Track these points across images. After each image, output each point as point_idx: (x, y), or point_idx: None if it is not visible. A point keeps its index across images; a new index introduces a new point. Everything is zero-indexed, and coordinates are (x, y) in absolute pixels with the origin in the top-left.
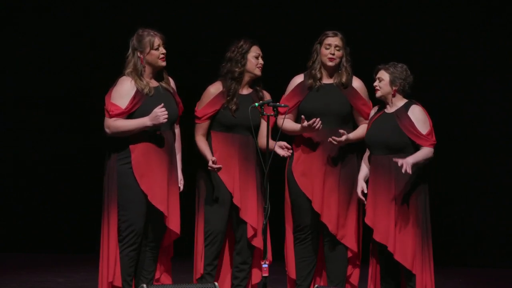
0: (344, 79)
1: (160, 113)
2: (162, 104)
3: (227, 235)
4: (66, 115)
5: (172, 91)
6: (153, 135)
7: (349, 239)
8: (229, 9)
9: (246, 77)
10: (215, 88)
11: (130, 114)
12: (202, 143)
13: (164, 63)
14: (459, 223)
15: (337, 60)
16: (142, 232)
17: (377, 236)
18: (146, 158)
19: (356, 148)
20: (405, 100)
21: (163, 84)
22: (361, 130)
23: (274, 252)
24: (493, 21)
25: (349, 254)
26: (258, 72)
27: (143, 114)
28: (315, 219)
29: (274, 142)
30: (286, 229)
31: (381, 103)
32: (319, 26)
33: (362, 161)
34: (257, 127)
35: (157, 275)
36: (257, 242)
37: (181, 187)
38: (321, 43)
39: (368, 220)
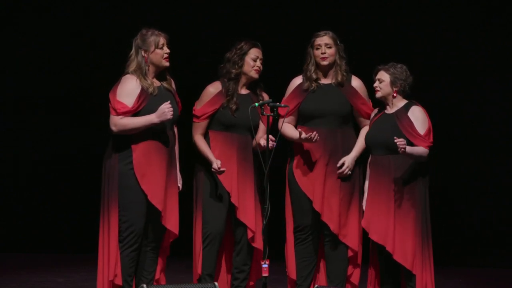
0: (339, 77)
1: (167, 110)
2: (169, 101)
3: (226, 235)
4: (66, 115)
5: (173, 90)
6: (155, 135)
7: (350, 238)
8: (229, 9)
9: (243, 79)
10: (214, 88)
11: (136, 113)
12: (202, 143)
13: (167, 63)
14: (459, 223)
15: (331, 58)
16: (143, 233)
17: (375, 237)
18: (147, 157)
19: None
20: (405, 101)
21: (165, 85)
22: (360, 141)
23: (274, 252)
24: (493, 21)
25: (350, 254)
26: (254, 74)
27: (148, 113)
28: (316, 219)
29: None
30: (286, 230)
31: (381, 104)
32: (319, 26)
33: (368, 167)
34: (256, 127)
35: (156, 275)
36: (257, 243)
37: (180, 187)
38: (312, 45)
39: (364, 222)
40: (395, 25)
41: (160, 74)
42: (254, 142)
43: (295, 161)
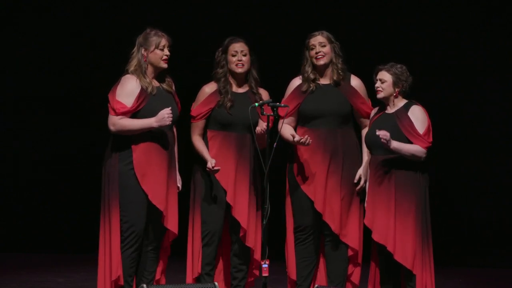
0: (335, 76)
1: (166, 116)
2: (170, 108)
3: (223, 234)
4: (66, 115)
5: (172, 91)
6: (155, 135)
7: (351, 238)
8: (229, 9)
9: (233, 76)
10: (209, 88)
11: (135, 113)
12: (199, 143)
13: (165, 65)
14: (459, 223)
15: (326, 57)
16: (143, 233)
17: (376, 236)
18: (147, 157)
19: (358, 147)
20: (405, 101)
21: (165, 86)
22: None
23: (274, 252)
24: (493, 21)
25: (351, 253)
26: (236, 69)
27: (147, 113)
28: (317, 219)
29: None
30: (286, 230)
31: (380, 103)
32: (319, 26)
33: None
34: (256, 127)
35: (157, 276)
36: (249, 242)
37: (180, 187)
38: (307, 47)
39: (367, 221)
40: (395, 25)
41: (160, 75)
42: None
43: (295, 161)
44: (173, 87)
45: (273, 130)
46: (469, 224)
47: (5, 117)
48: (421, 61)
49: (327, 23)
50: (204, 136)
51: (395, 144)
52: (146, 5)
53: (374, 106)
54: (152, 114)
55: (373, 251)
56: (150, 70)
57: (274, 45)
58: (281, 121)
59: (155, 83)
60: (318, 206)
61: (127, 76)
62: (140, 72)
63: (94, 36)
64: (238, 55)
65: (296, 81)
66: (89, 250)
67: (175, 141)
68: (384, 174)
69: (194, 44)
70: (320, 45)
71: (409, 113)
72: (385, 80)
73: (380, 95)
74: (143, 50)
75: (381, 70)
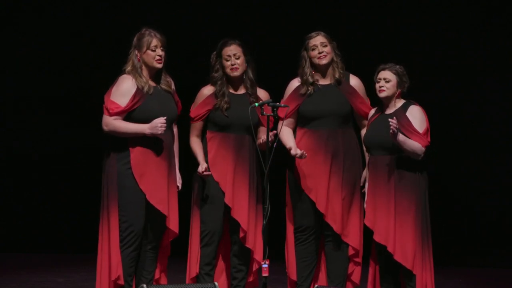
0: (337, 75)
1: (159, 125)
2: (166, 118)
3: (223, 234)
4: (66, 115)
5: (171, 91)
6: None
7: (352, 237)
8: (229, 9)
9: (231, 79)
10: (207, 89)
11: (130, 112)
12: (195, 145)
13: (159, 65)
14: (459, 223)
15: (329, 56)
16: (142, 233)
17: (377, 237)
18: (145, 157)
19: (358, 147)
20: (403, 101)
21: (163, 85)
22: None
23: (274, 252)
24: (493, 21)
25: (351, 252)
26: (231, 73)
27: (142, 112)
28: (317, 219)
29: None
30: (287, 230)
31: (378, 104)
32: (319, 26)
33: (367, 167)
34: (256, 127)
35: (156, 275)
36: (249, 243)
37: (180, 186)
38: (306, 48)
39: (368, 222)
40: (395, 25)
41: (158, 74)
42: (258, 141)
43: (296, 162)
44: (172, 86)
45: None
46: (469, 224)
47: (5, 117)
48: (421, 61)
49: (327, 23)
50: (203, 137)
51: (400, 137)
52: (146, 5)
53: (373, 106)
54: (148, 113)
55: (372, 250)
56: (145, 70)
57: (274, 45)
58: (280, 122)
59: (152, 83)
60: (321, 207)
61: (123, 76)
62: (136, 72)
63: (94, 36)
64: (232, 59)
65: (295, 83)
66: (89, 250)
67: (174, 140)
68: (383, 174)
69: (194, 44)
70: (322, 45)
71: (408, 113)
72: (389, 79)
73: (383, 94)
74: (136, 51)
75: (385, 69)
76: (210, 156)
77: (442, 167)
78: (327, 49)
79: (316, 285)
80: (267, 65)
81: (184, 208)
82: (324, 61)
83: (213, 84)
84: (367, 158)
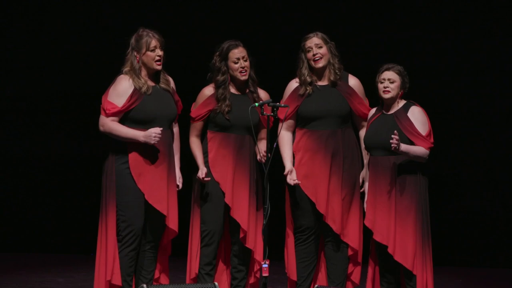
0: (332, 77)
1: (153, 135)
2: (162, 129)
3: (223, 234)
4: (66, 115)
5: (171, 90)
6: None
7: (351, 237)
8: (229, 9)
9: (236, 81)
10: (209, 90)
11: (127, 112)
12: (194, 146)
13: (158, 67)
14: (459, 223)
15: (324, 58)
16: (141, 232)
17: (378, 237)
18: (144, 157)
19: (357, 147)
20: (403, 101)
21: (162, 85)
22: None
23: (274, 252)
24: (493, 21)
25: (351, 252)
26: (240, 77)
27: (140, 112)
28: (317, 219)
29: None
30: (286, 231)
31: (378, 104)
32: (319, 26)
33: (367, 168)
34: (256, 127)
35: (156, 275)
36: (249, 244)
37: (180, 186)
38: (303, 49)
39: (367, 222)
40: (395, 25)
41: (156, 73)
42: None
43: (296, 162)
44: (172, 85)
45: (273, 130)
46: (469, 224)
47: (5, 117)
48: (419, 62)
49: (328, 23)
50: (204, 137)
51: (403, 148)
52: (146, 5)
53: (371, 106)
54: (145, 113)
55: (372, 250)
56: (144, 70)
57: (274, 45)
58: (280, 124)
59: (151, 83)
60: (321, 208)
61: (121, 76)
62: (133, 73)
63: (94, 36)
64: (241, 61)
65: (293, 84)
66: (89, 250)
67: (174, 139)
68: (384, 174)
69: (194, 44)
70: (317, 47)
71: (409, 114)
72: (394, 80)
73: (388, 95)
74: (135, 52)
75: (390, 69)
76: (211, 156)
77: (442, 167)
78: (322, 51)
79: (316, 285)
80: (267, 66)
81: (184, 208)
82: (319, 64)
83: (216, 88)
84: (365, 158)
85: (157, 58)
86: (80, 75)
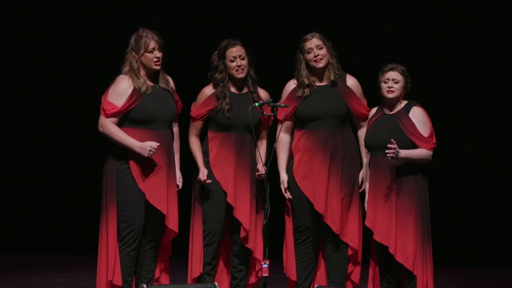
0: (332, 76)
1: (148, 149)
2: (158, 144)
3: (225, 235)
4: (66, 115)
5: (171, 90)
6: (152, 134)
7: (351, 237)
8: (229, 9)
9: (234, 79)
10: (209, 89)
11: (127, 112)
12: (194, 146)
13: (157, 67)
14: (459, 223)
15: (325, 59)
16: (142, 232)
17: (378, 237)
18: (144, 157)
19: (356, 148)
20: (404, 102)
21: (162, 84)
22: (363, 146)
23: (274, 252)
24: (493, 21)
25: (350, 252)
26: (237, 75)
27: (139, 112)
28: (316, 220)
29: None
30: (286, 231)
31: (378, 104)
32: (320, 26)
33: (367, 168)
34: (256, 127)
35: (156, 275)
36: (250, 244)
37: (180, 185)
38: (302, 50)
39: (368, 222)
40: (395, 25)
41: (156, 73)
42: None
43: (295, 163)
44: (171, 84)
45: (273, 130)
46: (469, 224)
47: (6, 117)
48: (419, 62)
49: (328, 23)
50: (204, 137)
51: (403, 154)
52: (146, 5)
53: (372, 106)
54: (145, 113)
55: (372, 250)
56: (143, 70)
57: (273, 45)
58: (279, 125)
59: (150, 82)
60: (320, 208)
61: (120, 76)
62: (133, 73)
63: (94, 36)
64: (237, 60)
65: (291, 85)
66: (89, 250)
67: (174, 139)
68: (384, 174)
69: (194, 44)
70: (318, 48)
71: (410, 115)
72: (398, 80)
73: (392, 95)
74: (134, 52)
75: (394, 69)
76: (212, 156)
77: (442, 167)
78: (323, 51)
79: (316, 285)
80: (267, 66)
81: (185, 207)
82: (320, 65)
83: (215, 86)
84: (364, 158)
85: (155, 59)
86: (80, 75)
